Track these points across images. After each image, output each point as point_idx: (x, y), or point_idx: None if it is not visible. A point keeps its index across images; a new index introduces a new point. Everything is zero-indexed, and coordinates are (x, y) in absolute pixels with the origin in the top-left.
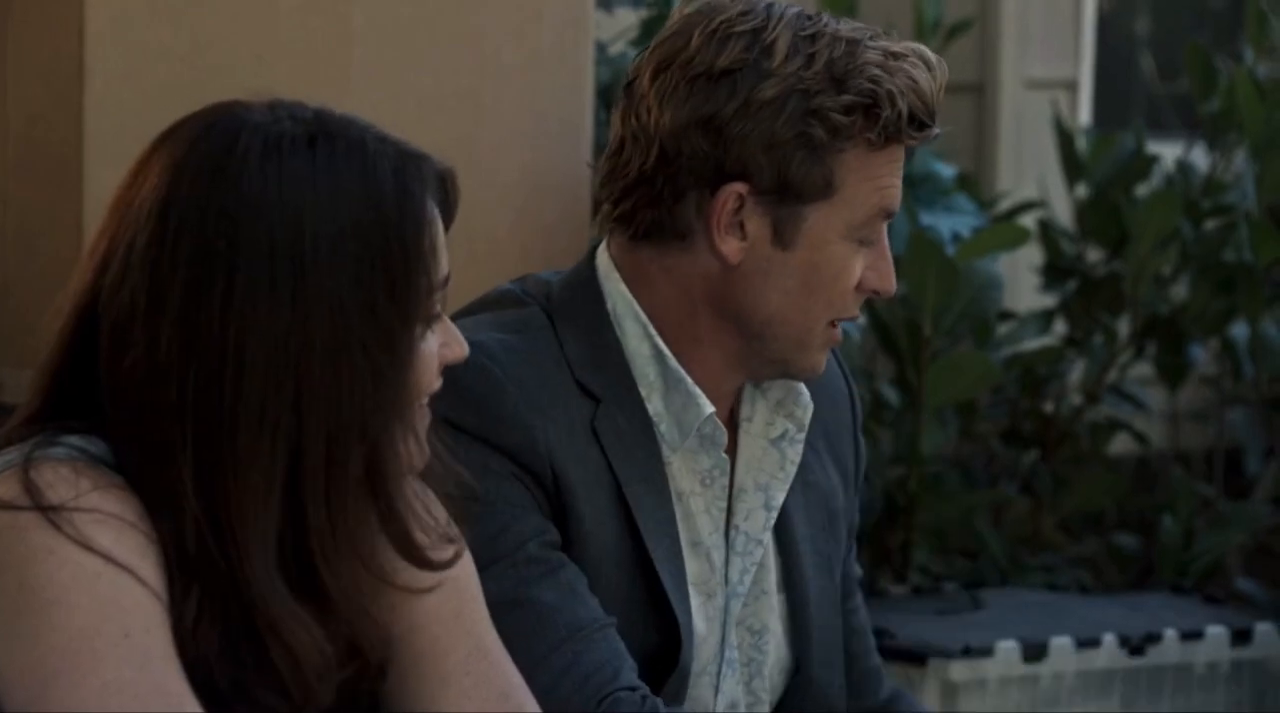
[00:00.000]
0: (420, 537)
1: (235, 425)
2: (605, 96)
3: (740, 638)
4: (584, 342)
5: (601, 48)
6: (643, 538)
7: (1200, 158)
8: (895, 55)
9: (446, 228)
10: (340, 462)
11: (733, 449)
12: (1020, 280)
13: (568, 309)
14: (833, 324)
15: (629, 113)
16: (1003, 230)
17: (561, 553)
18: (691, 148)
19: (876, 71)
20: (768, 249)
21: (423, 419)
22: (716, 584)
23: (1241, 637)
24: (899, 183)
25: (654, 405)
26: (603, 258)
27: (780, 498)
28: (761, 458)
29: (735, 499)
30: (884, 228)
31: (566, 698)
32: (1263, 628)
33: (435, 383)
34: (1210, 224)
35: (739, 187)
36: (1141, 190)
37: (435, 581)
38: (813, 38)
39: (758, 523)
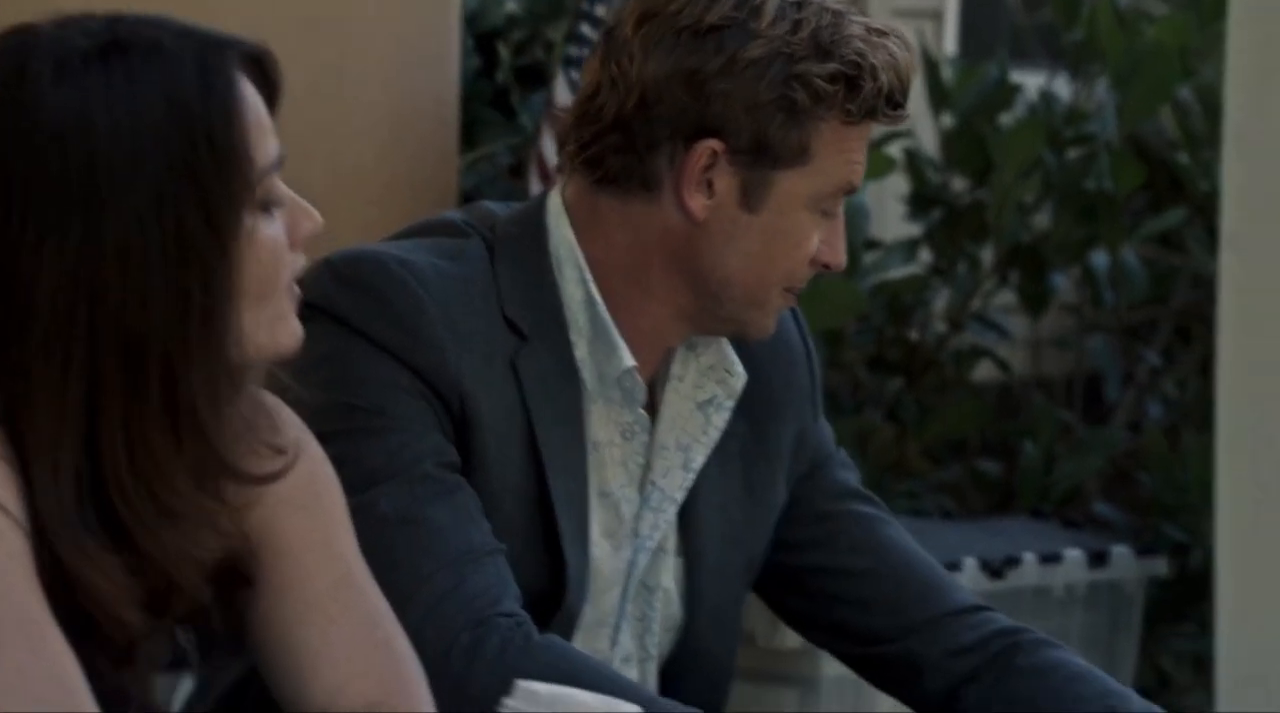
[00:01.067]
0: (238, 453)
1: (28, 356)
2: (472, 25)
3: (637, 593)
4: (520, 279)
5: None
6: (547, 479)
7: (1063, 87)
8: (878, 32)
9: (272, 110)
10: (139, 389)
11: (660, 406)
12: (886, 209)
13: (509, 244)
14: (786, 291)
15: (609, 59)
16: (870, 160)
17: (460, 476)
18: (672, 99)
19: (861, 45)
20: (733, 210)
21: (286, 303)
22: (625, 537)
23: (1098, 560)
24: (865, 160)
25: (580, 352)
26: (554, 200)
27: (700, 461)
28: (687, 419)
29: (655, 455)
30: (842, 203)
31: (447, 618)
32: (1119, 551)
33: (294, 263)
34: (1072, 153)
35: (714, 143)
36: (1006, 120)
37: (254, 495)
38: (800, 4)
39: (674, 482)
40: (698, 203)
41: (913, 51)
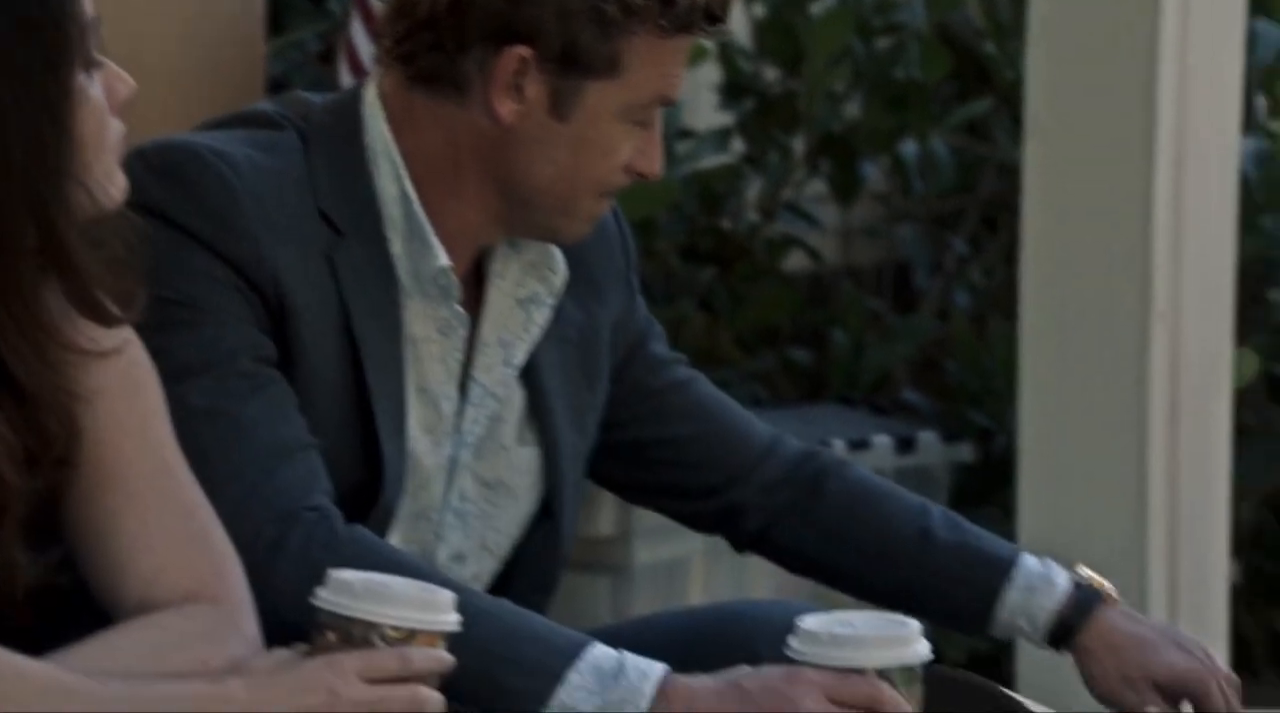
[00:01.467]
0: (100, 292)
1: None
2: None
3: (474, 491)
4: (334, 172)
5: None
6: (365, 374)
7: None
8: None
9: None
10: (10, 240)
11: (482, 302)
12: (698, 99)
13: (323, 137)
14: (599, 197)
15: None
16: None
17: (274, 370)
18: (484, 1)
19: None
20: (543, 117)
21: (113, 161)
22: (445, 433)
23: (906, 446)
24: (683, 73)
25: (396, 248)
26: (370, 93)
27: (522, 356)
28: (508, 316)
29: (477, 351)
30: (659, 114)
31: (254, 512)
32: (926, 436)
33: (115, 128)
34: (881, 42)
35: (524, 50)
36: (815, 8)
37: (116, 343)
38: None
39: (496, 377)
40: (507, 109)
41: None
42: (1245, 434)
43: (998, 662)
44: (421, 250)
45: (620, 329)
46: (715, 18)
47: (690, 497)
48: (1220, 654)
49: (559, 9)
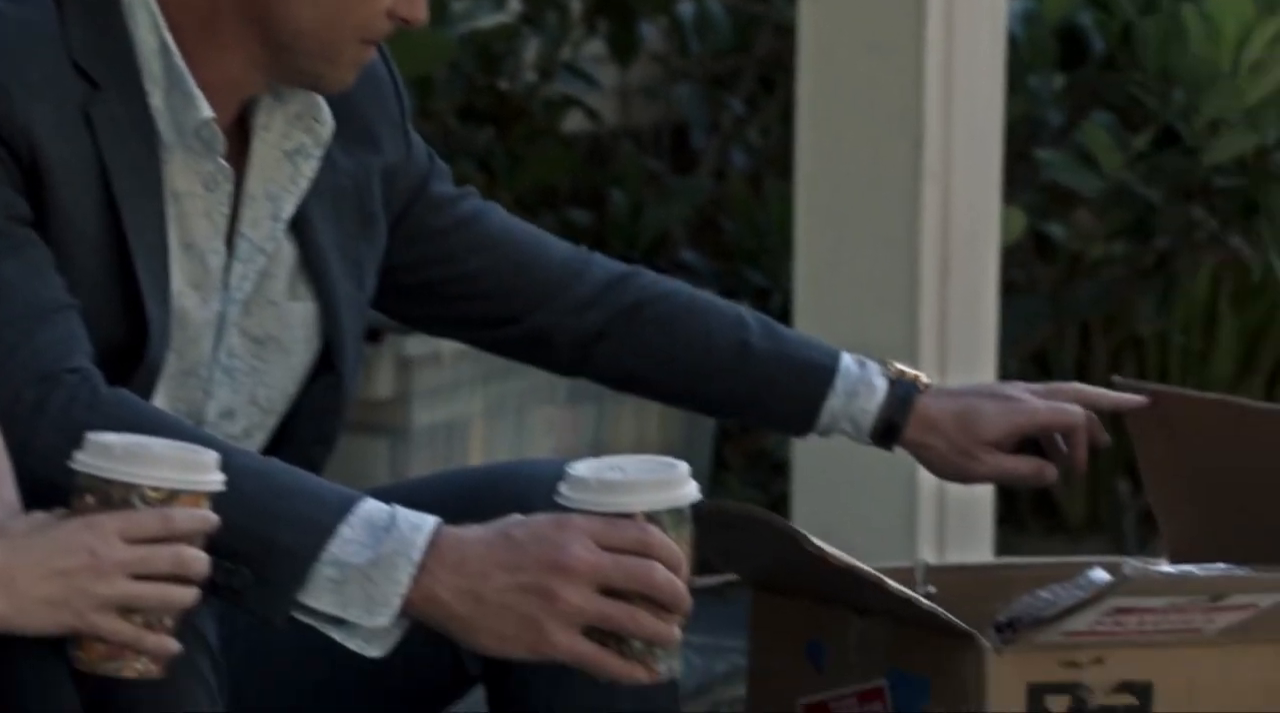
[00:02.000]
0: None
1: None
2: None
3: (242, 347)
4: (89, 24)
5: None
6: (125, 230)
7: None
8: None
9: None
10: None
11: (247, 156)
12: None
13: None
14: (362, 44)
15: None
16: None
17: (30, 230)
18: None
19: None
20: None
21: None
22: (212, 288)
23: None
24: None
25: (156, 101)
26: None
27: (290, 210)
28: (275, 169)
29: (243, 206)
30: None
31: (12, 375)
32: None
33: None
34: None
35: None
36: None
37: None
38: None
39: (263, 232)
40: None
41: None
42: (1012, 291)
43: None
44: (183, 103)
45: (398, 176)
46: None
47: (493, 326)
48: (986, 504)
49: None
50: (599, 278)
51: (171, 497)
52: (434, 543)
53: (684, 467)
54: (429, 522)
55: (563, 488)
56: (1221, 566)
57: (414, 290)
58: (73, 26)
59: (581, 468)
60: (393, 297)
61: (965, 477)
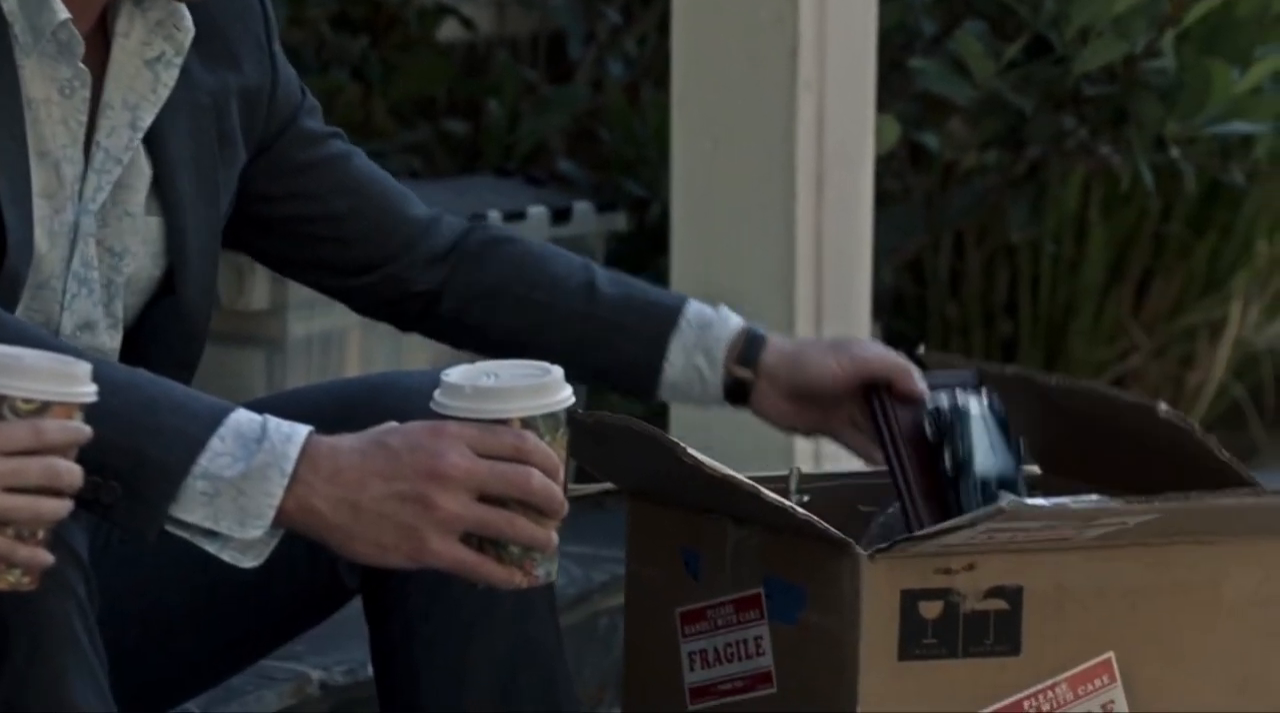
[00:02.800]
0: None
1: None
2: None
3: (100, 258)
4: None
5: None
6: None
7: None
8: None
9: None
10: None
11: (106, 64)
12: None
13: None
14: None
15: None
16: None
17: None
18: None
19: None
20: None
21: None
22: (67, 198)
23: (561, 216)
24: None
25: (10, 4)
26: None
27: (148, 120)
28: (134, 77)
29: (100, 115)
30: None
31: None
32: (580, 207)
33: None
34: None
35: None
36: None
37: None
38: None
39: (120, 141)
40: None
41: None
42: (887, 201)
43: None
44: (38, 5)
45: (259, 100)
46: None
47: (346, 273)
48: None
49: None
50: (450, 233)
51: (43, 409)
52: (307, 453)
53: (558, 372)
54: (301, 431)
55: (438, 395)
56: (1095, 497)
57: (271, 225)
58: None
59: (456, 375)
60: (249, 230)
61: (794, 424)
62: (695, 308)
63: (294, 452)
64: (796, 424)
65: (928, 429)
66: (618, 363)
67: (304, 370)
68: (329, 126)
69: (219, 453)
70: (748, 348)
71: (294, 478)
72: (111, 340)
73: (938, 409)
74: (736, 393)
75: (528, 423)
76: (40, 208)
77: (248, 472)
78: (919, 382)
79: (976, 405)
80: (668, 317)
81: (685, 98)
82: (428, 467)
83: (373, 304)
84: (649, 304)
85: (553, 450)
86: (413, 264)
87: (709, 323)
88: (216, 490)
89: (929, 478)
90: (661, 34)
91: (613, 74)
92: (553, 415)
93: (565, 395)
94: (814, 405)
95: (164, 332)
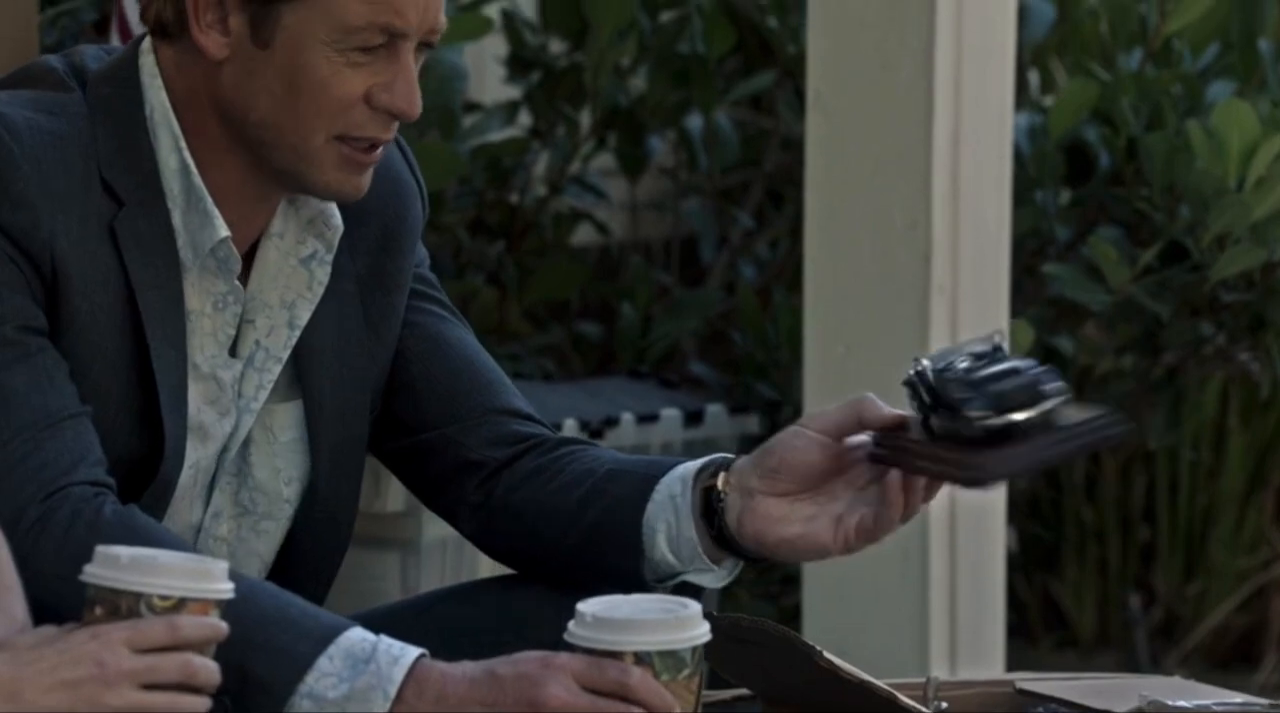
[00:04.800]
0: None
1: None
2: None
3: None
4: (118, 140)
5: None
6: (148, 346)
7: None
8: None
9: None
10: None
11: (258, 263)
12: (485, 71)
13: (106, 105)
14: (348, 143)
15: None
16: (466, 20)
17: (44, 339)
18: None
19: None
20: (249, 48)
21: None
22: (229, 402)
23: (694, 418)
24: (414, 3)
25: (176, 220)
26: (148, 60)
27: (305, 317)
28: (290, 276)
29: (257, 314)
30: (401, 45)
31: (18, 488)
32: (713, 409)
33: None
34: (666, 16)
35: None
36: None
37: None
38: None
39: (279, 340)
40: (213, 41)
41: None
42: None
43: None
44: (201, 222)
45: (406, 281)
46: None
47: (404, 429)
48: (998, 618)
49: None
50: (538, 431)
51: (180, 605)
52: (414, 676)
53: (695, 608)
54: (410, 654)
55: (569, 623)
56: (1212, 701)
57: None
58: (104, 142)
59: (587, 603)
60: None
61: (789, 527)
62: (674, 472)
63: (399, 675)
64: (792, 524)
65: (915, 410)
66: (597, 529)
67: (438, 573)
68: (437, 294)
69: (325, 673)
70: (714, 467)
71: (397, 700)
72: (239, 529)
73: (909, 385)
74: (710, 511)
75: (641, 658)
76: (204, 414)
77: (351, 693)
78: (882, 404)
79: (931, 359)
80: (656, 469)
81: (818, 301)
82: (528, 697)
83: (431, 477)
84: (637, 470)
85: (669, 689)
86: (476, 434)
87: (681, 475)
88: (320, 711)
89: (959, 444)
90: (793, 238)
91: (745, 277)
92: (672, 653)
93: (692, 634)
94: (799, 490)
95: (310, 520)
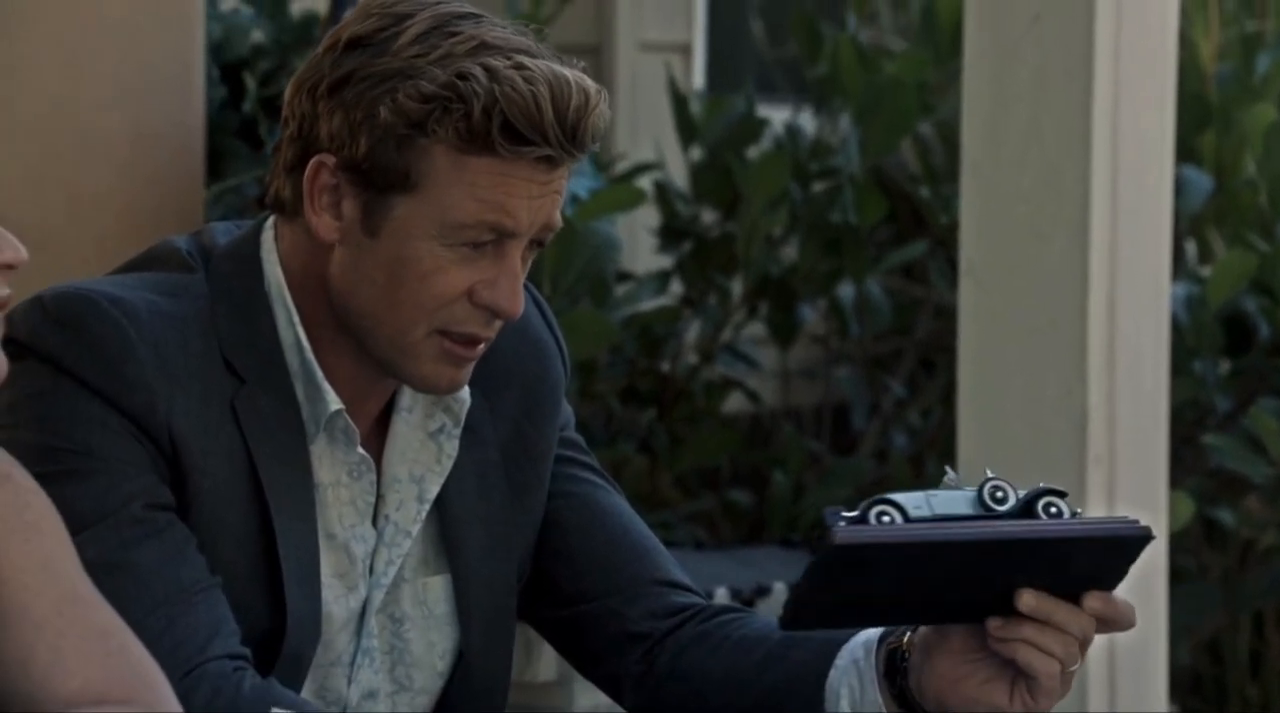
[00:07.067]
0: None
1: None
2: (217, 55)
3: (381, 626)
4: (238, 321)
5: (213, 3)
6: (272, 521)
7: (808, 121)
8: (522, 67)
9: None
10: None
11: (385, 438)
12: (637, 241)
13: (226, 284)
14: (449, 337)
15: None
16: (619, 192)
17: (171, 514)
18: (299, 112)
19: (479, 72)
20: (358, 234)
21: None
22: (359, 576)
23: None
24: (521, 201)
25: (299, 393)
26: (268, 236)
27: (434, 491)
28: (419, 450)
29: (388, 489)
30: (510, 244)
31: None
32: None
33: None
34: (818, 186)
35: (327, 157)
36: (752, 153)
37: None
38: (452, 32)
39: (409, 515)
40: (325, 224)
41: (591, 96)
42: (1181, 577)
43: None
44: (314, 395)
45: (551, 447)
46: (525, 139)
47: (563, 599)
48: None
49: (348, 114)
50: (700, 603)
51: None
52: None
53: None
54: None
55: None
56: None
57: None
58: (224, 321)
59: None
60: None
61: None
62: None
63: None
64: (970, 684)
65: None
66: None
67: None
68: (593, 463)
69: None
70: (894, 635)
71: None
72: (394, 706)
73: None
74: (893, 671)
75: None
76: (334, 588)
77: None
78: None
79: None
80: (837, 635)
81: (972, 469)
82: None
83: (589, 649)
84: (816, 634)
85: None
86: (636, 605)
87: (864, 641)
88: None
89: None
90: (946, 407)
91: (897, 446)
92: None
93: None
94: (974, 649)
95: (465, 694)
